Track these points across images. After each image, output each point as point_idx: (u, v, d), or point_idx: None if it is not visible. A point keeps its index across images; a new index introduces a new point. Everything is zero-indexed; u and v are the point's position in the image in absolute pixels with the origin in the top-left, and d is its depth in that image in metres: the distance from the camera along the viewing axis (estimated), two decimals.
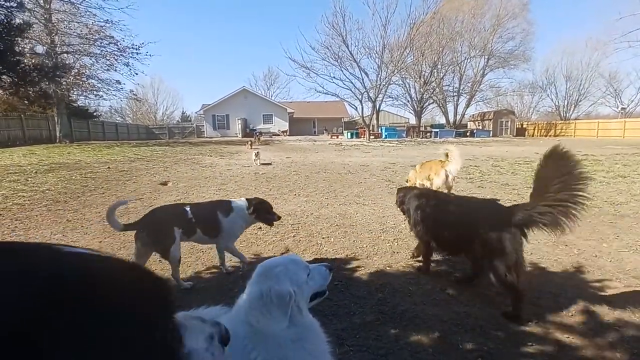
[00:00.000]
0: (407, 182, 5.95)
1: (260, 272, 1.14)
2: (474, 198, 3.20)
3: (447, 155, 5.08)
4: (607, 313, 2.27)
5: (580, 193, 2.02)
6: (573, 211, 2.03)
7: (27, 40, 16.25)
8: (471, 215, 2.46)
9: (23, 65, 14.18)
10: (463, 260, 2.90)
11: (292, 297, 1.06)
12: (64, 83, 18.48)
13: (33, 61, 15.81)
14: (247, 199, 2.91)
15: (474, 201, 2.85)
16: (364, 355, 1.88)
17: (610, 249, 3.39)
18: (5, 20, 12.77)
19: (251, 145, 16.88)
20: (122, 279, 0.40)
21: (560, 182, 2.06)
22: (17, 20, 13.68)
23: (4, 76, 13.57)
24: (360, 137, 28.96)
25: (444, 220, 2.61)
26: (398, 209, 3.24)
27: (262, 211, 2.88)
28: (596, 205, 5.11)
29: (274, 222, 3.02)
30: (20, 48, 14.64)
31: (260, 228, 3.95)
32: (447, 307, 2.35)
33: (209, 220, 2.77)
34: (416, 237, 2.94)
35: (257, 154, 10.87)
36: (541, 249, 3.40)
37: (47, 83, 15.69)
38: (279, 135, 34.34)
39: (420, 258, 3.06)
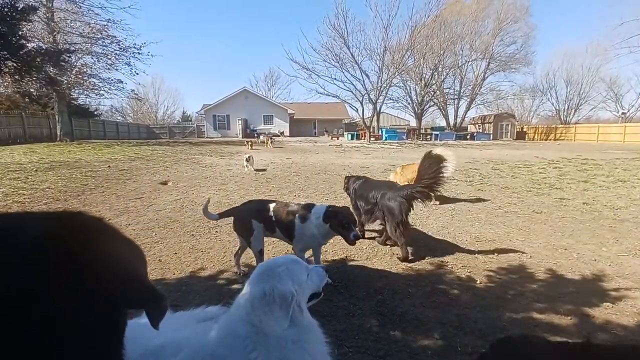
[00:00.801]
0: None
1: (262, 272, 1.13)
2: (383, 181, 4.60)
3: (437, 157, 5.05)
4: (606, 317, 2.27)
5: (440, 179, 3.16)
6: (436, 190, 3.27)
7: (29, 38, 16.11)
8: (378, 191, 3.47)
9: (27, 49, 13.74)
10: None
11: (294, 297, 1.06)
12: (65, 81, 18.46)
13: (33, 45, 15.39)
14: (327, 206, 2.63)
15: (382, 182, 4.09)
16: (363, 356, 1.88)
17: (609, 253, 3.39)
18: (9, 3, 12.36)
19: (251, 145, 16.81)
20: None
21: (429, 172, 3.20)
22: (21, 4, 13.32)
23: (8, 62, 13.23)
24: (361, 139, 28.95)
25: (365, 195, 3.65)
26: (345, 193, 4.25)
27: (334, 221, 2.54)
28: (596, 209, 5.11)
29: (355, 241, 2.57)
30: (23, 32, 14.10)
31: None
32: (447, 310, 2.35)
33: (286, 221, 2.67)
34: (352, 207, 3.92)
35: (248, 159, 9.19)
36: (540, 253, 3.40)
37: (52, 68, 15.40)
38: (278, 136, 34.35)
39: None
